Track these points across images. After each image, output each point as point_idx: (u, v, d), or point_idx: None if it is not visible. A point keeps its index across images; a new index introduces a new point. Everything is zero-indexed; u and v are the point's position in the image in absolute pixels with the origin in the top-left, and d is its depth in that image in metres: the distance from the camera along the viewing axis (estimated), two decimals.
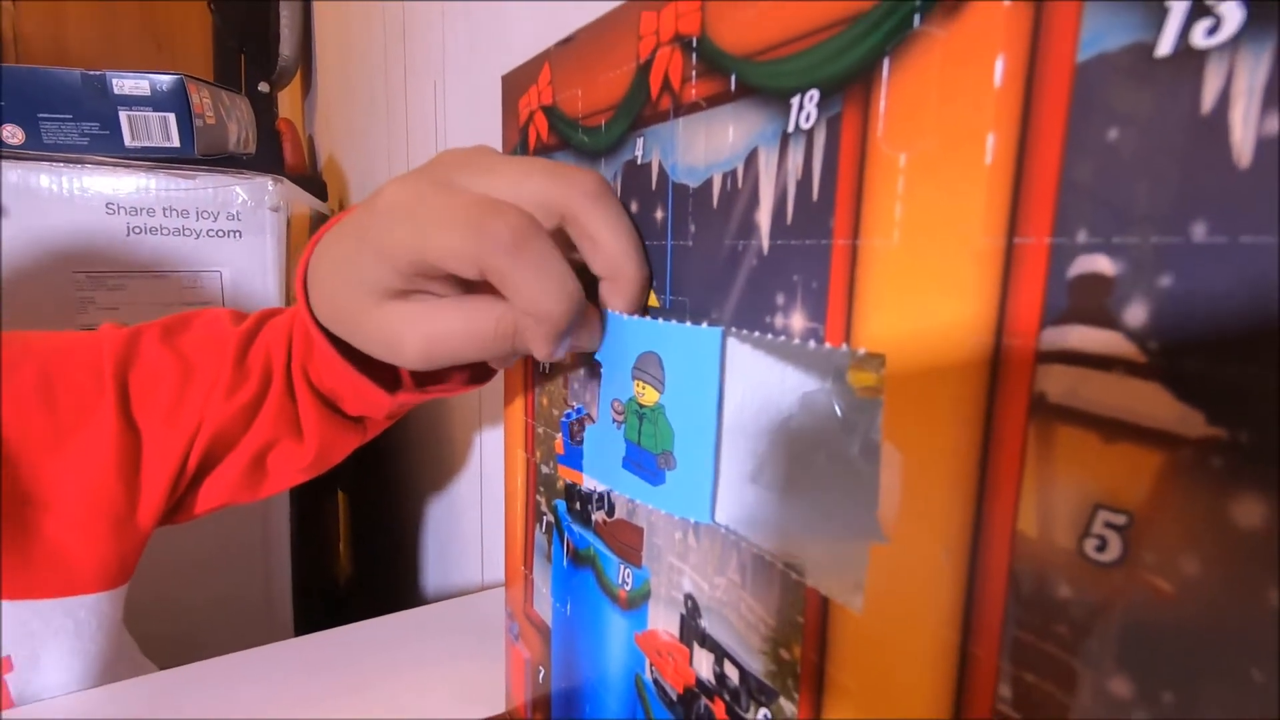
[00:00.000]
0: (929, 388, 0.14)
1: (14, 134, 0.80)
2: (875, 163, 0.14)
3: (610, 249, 0.22)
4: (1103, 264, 0.11)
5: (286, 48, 1.35)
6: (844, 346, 0.15)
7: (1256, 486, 0.09)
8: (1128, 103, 0.10)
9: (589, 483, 0.27)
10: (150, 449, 0.40)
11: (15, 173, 0.69)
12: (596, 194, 0.22)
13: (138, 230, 0.73)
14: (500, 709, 0.42)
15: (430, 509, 0.83)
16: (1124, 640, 0.11)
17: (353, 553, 1.31)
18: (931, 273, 0.13)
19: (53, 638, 0.39)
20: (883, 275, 0.14)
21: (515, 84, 0.32)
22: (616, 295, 0.23)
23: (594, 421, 0.25)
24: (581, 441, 0.27)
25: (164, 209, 0.74)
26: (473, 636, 0.48)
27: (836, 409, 0.19)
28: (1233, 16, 0.09)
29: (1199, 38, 0.10)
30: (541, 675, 0.35)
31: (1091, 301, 0.11)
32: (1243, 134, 0.09)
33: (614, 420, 0.24)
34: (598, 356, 0.24)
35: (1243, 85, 0.09)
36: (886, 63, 0.14)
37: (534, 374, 0.32)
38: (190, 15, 1.80)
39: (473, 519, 0.69)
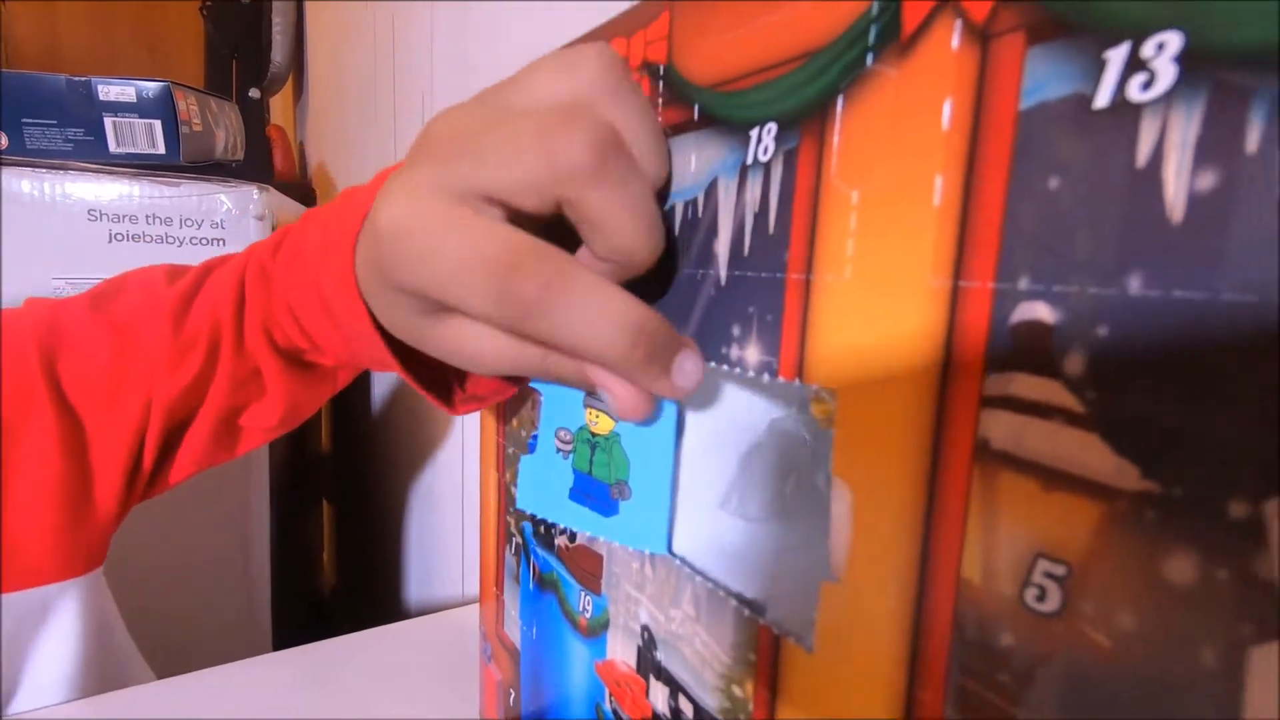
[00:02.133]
0: (878, 426, 0.14)
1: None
2: (829, 198, 0.14)
3: (620, 234, 0.17)
4: (1043, 311, 0.11)
5: (278, 54, 1.35)
6: (796, 382, 0.15)
7: (1188, 542, 0.09)
8: (1068, 152, 0.10)
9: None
10: (96, 434, 0.37)
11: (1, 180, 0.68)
12: (582, 165, 0.16)
13: (120, 237, 0.72)
14: None
15: (414, 521, 0.82)
16: (1064, 693, 0.11)
17: (336, 563, 1.29)
18: (881, 311, 0.13)
19: (25, 626, 0.38)
20: (835, 311, 0.14)
21: None
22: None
23: (529, 453, 0.25)
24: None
25: (147, 216, 0.73)
26: (452, 653, 0.47)
27: (805, 436, 0.19)
28: (1166, 72, 0.09)
29: (1134, 92, 0.10)
30: (512, 698, 0.34)
31: (1032, 348, 0.11)
32: (1175, 189, 0.09)
33: (559, 450, 0.23)
34: (536, 385, 0.24)
35: (1175, 140, 0.09)
36: (841, 99, 0.14)
37: None
38: (183, 20, 1.80)
39: (455, 531, 0.68)
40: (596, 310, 0.16)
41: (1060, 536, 0.11)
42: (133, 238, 0.73)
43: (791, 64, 0.15)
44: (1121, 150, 0.10)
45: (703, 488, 0.21)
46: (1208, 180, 0.09)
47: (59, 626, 0.39)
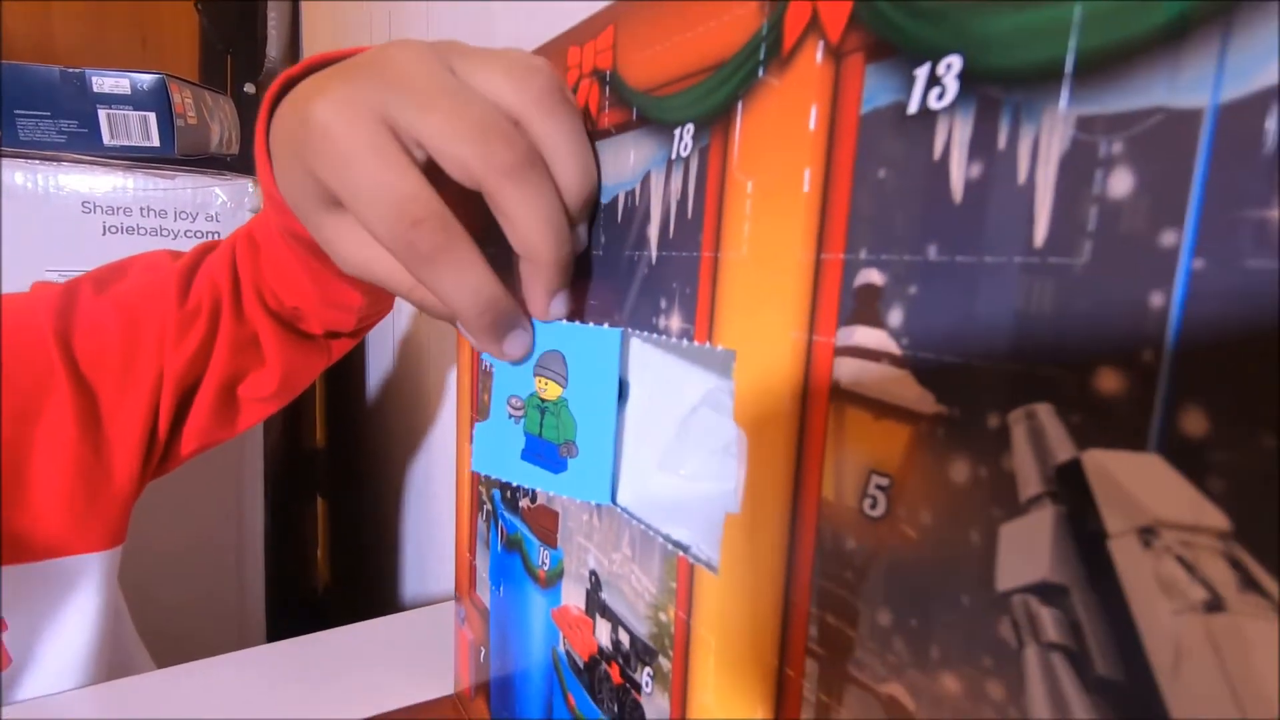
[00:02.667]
0: (764, 378, 0.16)
1: None
2: (732, 188, 0.17)
3: (520, 231, 0.20)
4: (875, 276, 0.13)
5: (273, 49, 1.37)
6: (707, 344, 0.18)
7: (964, 450, 0.12)
8: (891, 149, 0.13)
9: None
10: (110, 408, 0.40)
11: None
12: (510, 168, 0.19)
13: (114, 229, 0.74)
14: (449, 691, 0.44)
15: (408, 516, 0.84)
16: (887, 580, 0.13)
17: (331, 558, 1.31)
18: (769, 281, 0.16)
19: (45, 598, 0.40)
20: (736, 283, 0.17)
21: None
22: (533, 277, 0.22)
23: (484, 419, 0.27)
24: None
25: (141, 209, 0.75)
26: (444, 645, 0.48)
27: (727, 399, 0.22)
28: (952, 87, 0.12)
29: (933, 101, 0.12)
30: (482, 655, 0.37)
31: (868, 306, 0.14)
32: (956, 176, 0.12)
33: (511, 415, 0.26)
34: (486, 357, 0.26)
35: (957, 139, 0.12)
36: (740, 104, 0.17)
37: (479, 369, 0.35)
38: (177, 14, 1.81)
39: (449, 526, 0.70)
40: (465, 280, 0.21)
41: (885, 454, 0.13)
42: (127, 230, 0.75)
43: (704, 74, 0.18)
44: (924, 147, 0.12)
45: (644, 447, 0.23)
46: (976, 170, 0.12)
47: (78, 605, 0.41)
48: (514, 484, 0.27)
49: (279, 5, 1.36)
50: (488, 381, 0.34)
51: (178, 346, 0.40)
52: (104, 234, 0.74)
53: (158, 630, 0.70)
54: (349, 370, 1.04)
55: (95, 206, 0.74)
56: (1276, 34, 0.08)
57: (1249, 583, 0.09)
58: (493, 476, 0.27)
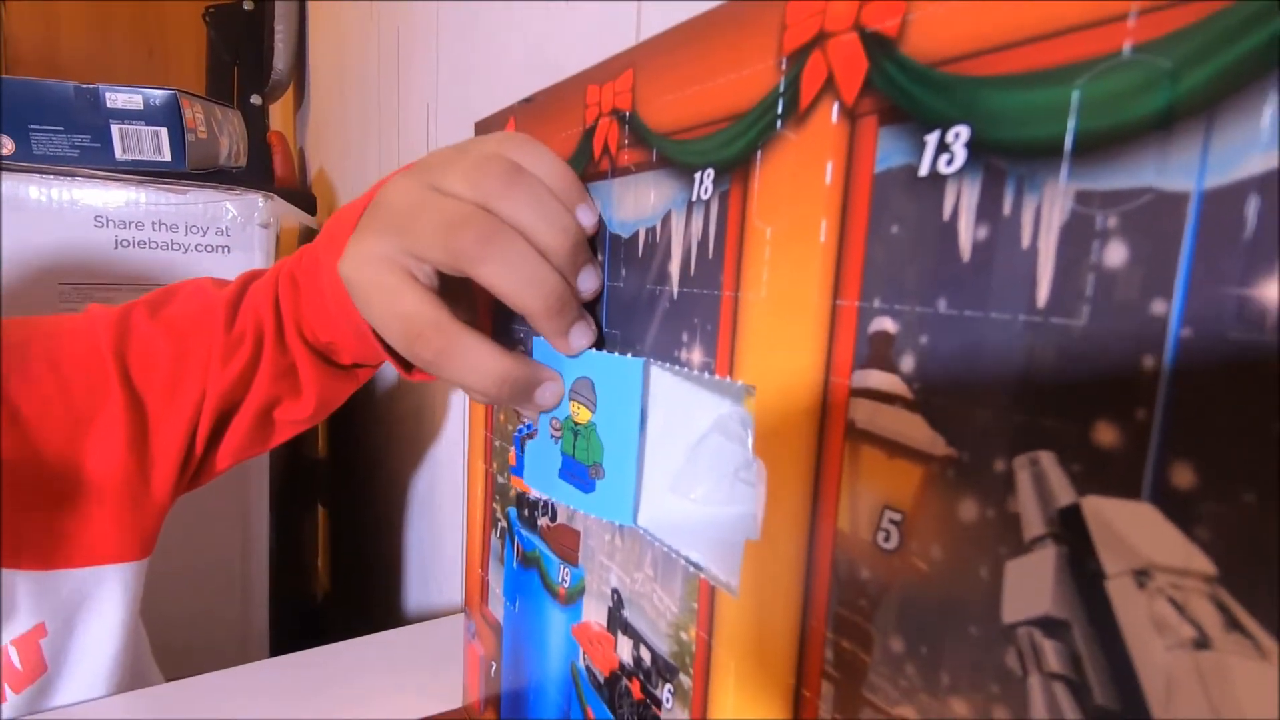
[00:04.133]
0: (783, 413, 0.17)
1: (4, 144, 0.82)
2: (751, 232, 0.18)
3: (505, 297, 0.24)
4: (888, 324, 0.14)
5: (280, 61, 1.38)
6: (728, 378, 0.19)
7: (972, 491, 0.13)
8: (903, 207, 0.14)
9: (534, 491, 0.30)
10: (157, 422, 0.42)
11: (4, 184, 0.71)
12: (475, 252, 0.23)
13: (126, 244, 0.75)
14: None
15: (410, 527, 0.84)
16: (900, 608, 0.14)
17: (331, 568, 1.32)
18: (787, 323, 0.17)
19: (82, 605, 0.42)
20: (755, 322, 0.18)
21: (485, 131, 0.36)
22: (538, 327, 0.25)
23: (535, 437, 0.29)
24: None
25: (153, 223, 0.76)
26: (449, 658, 0.48)
27: (740, 426, 0.23)
28: (960, 154, 0.13)
29: (942, 166, 0.13)
30: (494, 670, 0.38)
31: (881, 352, 0.15)
32: (965, 237, 0.13)
33: (552, 436, 0.27)
34: None
35: (966, 203, 0.13)
36: (759, 154, 0.18)
37: None
38: (183, 23, 1.83)
39: (455, 537, 0.71)
40: (473, 368, 0.24)
41: (898, 491, 0.14)
42: (139, 244, 0.76)
43: (725, 122, 0.19)
44: (934, 208, 0.13)
45: (660, 472, 0.24)
46: (983, 232, 0.13)
47: (109, 615, 0.43)
48: (554, 500, 0.28)
49: (286, 16, 1.38)
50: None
51: (223, 369, 0.42)
52: (116, 248, 0.75)
53: (162, 639, 0.71)
54: None
55: (108, 220, 0.75)
56: (1255, 130, 0.09)
57: (1233, 624, 0.10)
58: (539, 491, 0.29)
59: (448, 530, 0.73)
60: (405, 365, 0.37)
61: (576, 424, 0.25)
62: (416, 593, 0.83)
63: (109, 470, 0.41)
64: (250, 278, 0.46)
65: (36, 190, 0.73)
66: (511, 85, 0.53)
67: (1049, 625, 0.12)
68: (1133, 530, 0.11)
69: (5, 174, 0.71)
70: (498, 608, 0.37)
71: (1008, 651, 0.12)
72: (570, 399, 0.26)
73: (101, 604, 0.42)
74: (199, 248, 0.77)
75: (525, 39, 0.52)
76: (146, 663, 0.49)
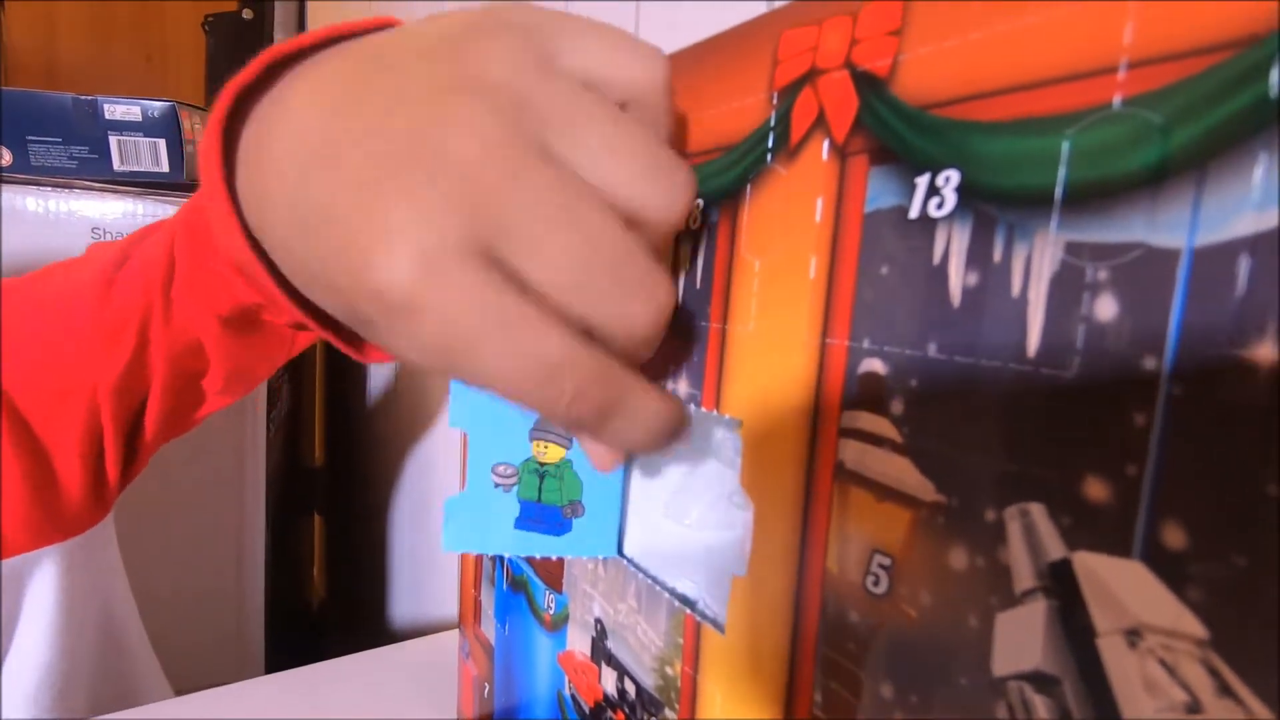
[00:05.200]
0: (770, 449, 0.17)
1: (3, 156, 0.82)
2: (740, 265, 0.18)
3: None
4: (878, 365, 0.14)
5: None
6: (714, 411, 0.19)
7: (962, 539, 0.13)
8: (893, 248, 0.14)
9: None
10: (46, 431, 0.36)
11: (3, 195, 0.71)
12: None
13: None
14: None
15: (406, 537, 0.84)
16: (889, 654, 0.14)
17: (328, 576, 1.31)
18: (775, 358, 0.17)
19: (13, 596, 0.38)
20: (743, 355, 0.18)
21: None
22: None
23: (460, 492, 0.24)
24: None
25: None
26: (444, 675, 0.48)
27: (732, 457, 0.22)
28: (950, 198, 0.13)
29: (932, 209, 0.13)
30: (486, 691, 0.37)
31: (871, 393, 0.14)
32: (955, 282, 0.13)
33: (498, 485, 0.24)
34: (458, 424, 0.23)
35: (956, 247, 0.13)
36: (749, 187, 0.18)
37: None
38: (182, 33, 1.83)
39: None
40: (646, 425, 0.16)
41: (888, 535, 0.14)
42: None
43: (715, 153, 0.19)
44: (925, 250, 0.13)
45: (649, 499, 0.24)
46: (973, 278, 0.12)
47: (35, 593, 0.40)
48: (509, 557, 0.27)
49: (285, 25, 1.38)
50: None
51: (105, 363, 0.35)
52: None
53: (156, 649, 0.70)
54: (349, 389, 1.04)
55: (105, 231, 0.74)
56: (1247, 188, 0.09)
57: (1224, 689, 0.09)
58: (474, 553, 0.25)
59: (439, 540, 0.73)
60: (352, 340, 0.28)
61: (543, 464, 0.24)
62: (412, 603, 0.83)
63: (9, 477, 0.35)
64: (145, 234, 0.37)
65: (34, 202, 0.73)
66: None
67: (1040, 680, 0.12)
68: (1123, 588, 0.10)
69: (4, 185, 0.71)
70: (490, 629, 0.36)
71: (998, 705, 0.12)
72: (533, 439, 0.24)
73: (28, 588, 0.39)
74: None
75: None
76: (135, 656, 0.48)
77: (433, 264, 0.14)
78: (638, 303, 0.15)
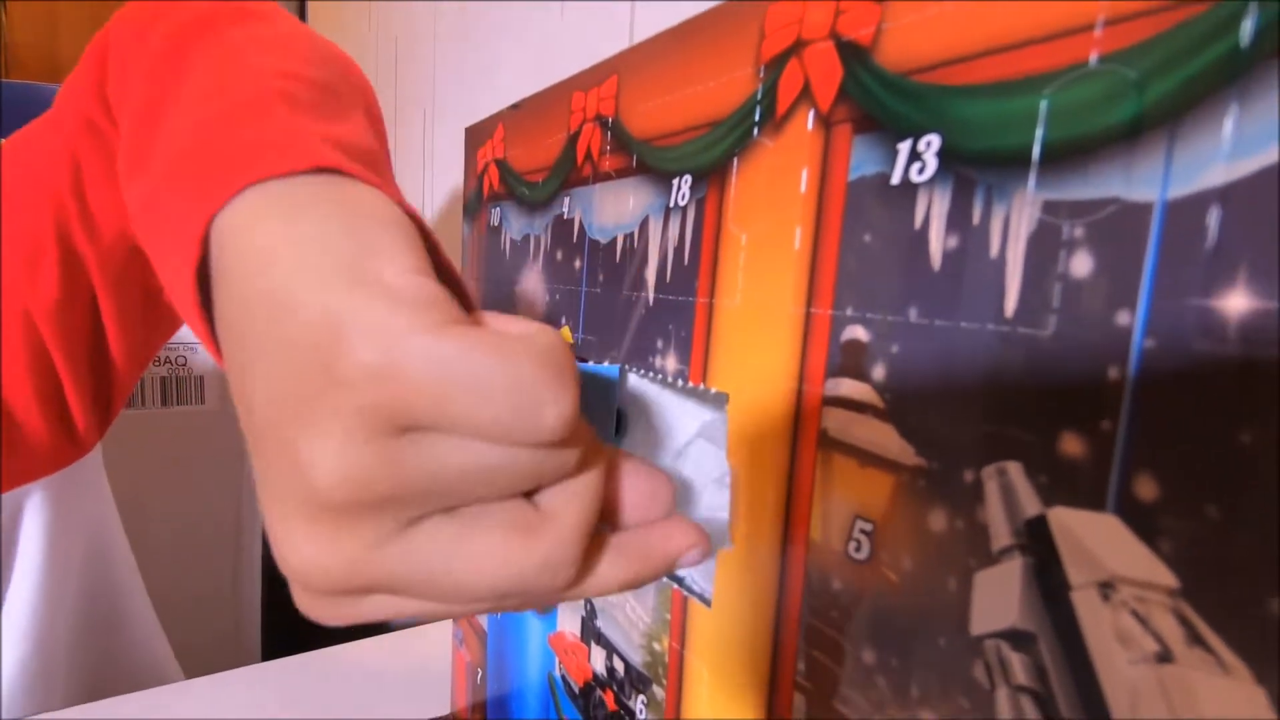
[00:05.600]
0: (756, 421, 0.17)
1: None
2: (726, 239, 0.18)
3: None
4: (860, 332, 0.14)
5: None
6: (701, 385, 0.19)
7: (941, 501, 0.13)
8: (875, 216, 0.14)
9: None
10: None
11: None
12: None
13: None
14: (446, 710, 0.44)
15: None
16: (870, 620, 0.14)
17: None
18: (761, 330, 0.17)
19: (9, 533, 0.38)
20: (730, 329, 0.18)
21: (475, 136, 0.36)
22: None
23: None
24: None
25: None
26: (440, 664, 0.48)
27: (721, 434, 0.22)
28: (931, 163, 0.13)
29: (914, 175, 0.13)
30: (480, 676, 0.37)
31: (854, 360, 0.14)
32: (935, 246, 0.13)
33: None
34: None
35: (936, 212, 0.13)
36: (735, 161, 0.18)
37: None
38: None
39: None
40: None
41: (869, 501, 0.14)
42: None
43: (702, 129, 0.19)
44: (906, 216, 0.13)
45: None
46: (953, 241, 0.13)
47: (26, 530, 0.39)
48: None
49: None
50: None
51: (32, 281, 0.31)
52: None
53: None
54: None
55: None
56: (1217, 140, 0.09)
57: (1195, 638, 0.09)
58: None
59: None
60: None
61: None
62: None
63: None
64: (38, 130, 0.32)
65: None
66: (508, 90, 0.54)
67: (1016, 638, 0.12)
68: (1097, 542, 0.10)
69: None
70: (482, 615, 0.36)
71: (976, 664, 0.12)
72: None
73: (20, 526, 0.38)
74: None
75: (522, 44, 0.52)
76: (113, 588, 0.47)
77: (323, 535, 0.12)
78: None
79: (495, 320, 0.13)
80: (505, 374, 0.12)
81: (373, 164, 0.18)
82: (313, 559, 0.13)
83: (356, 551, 0.12)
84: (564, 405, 0.12)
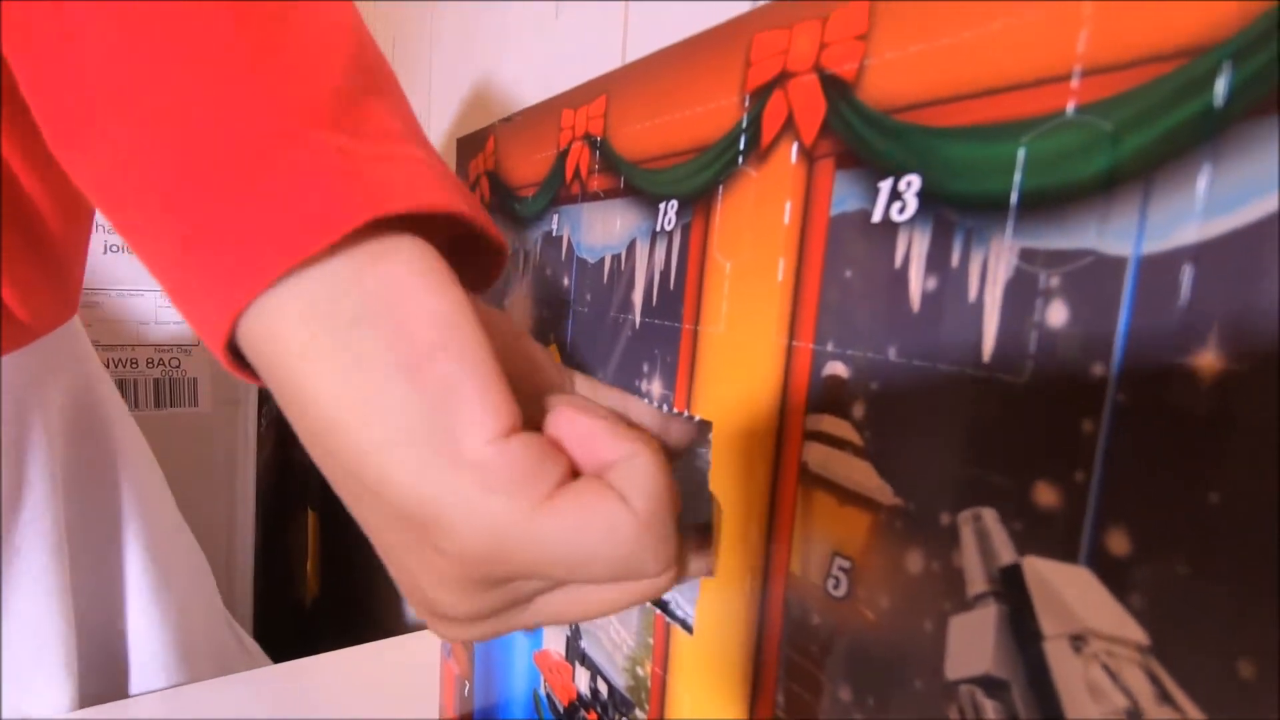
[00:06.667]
0: (739, 451, 0.17)
1: None
2: (711, 266, 0.18)
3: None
4: (841, 368, 0.14)
5: None
6: (685, 412, 0.19)
7: (918, 542, 0.13)
8: (856, 252, 0.14)
9: None
10: None
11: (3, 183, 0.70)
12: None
13: (114, 248, 0.75)
14: None
15: None
16: (848, 657, 0.14)
17: (321, 573, 1.30)
18: (744, 360, 0.17)
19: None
20: (714, 357, 0.18)
21: (468, 148, 0.36)
22: None
23: None
24: None
25: None
26: (429, 674, 0.48)
27: (707, 463, 0.22)
28: (912, 203, 0.13)
29: (895, 214, 0.13)
30: (467, 689, 0.37)
31: (834, 396, 0.14)
32: (915, 286, 0.13)
33: None
34: None
35: (916, 252, 0.13)
36: (721, 189, 0.18)
37: None
38: None
39: None
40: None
41: (848, 538, 0.14)
42: (127, 249, 0.76)
43: (689, 155, 0.19)
44: (886, 255, 0.13)
45: None
46: (932, 283, 0.13)
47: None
48: None
49: None
50: None
51: None
52: (105, 252, 0.75)
53: None
54: None
55: (97, 226, 0.74)
56: (1191, 198, 0.09)
57: (1163, 696, 0.09)
58: None
59: None
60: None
61: None
62: (407, 602, 0.83)
63: None
64: None
65: None
66: (504, 101, 0.53)
67: (990, 684, 0.12)
68: (1070, 594, 0.10)
69: None
70: None
71: (950, 708, 0.12)
72: None
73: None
74: None
75: (519, 54, 0.52)
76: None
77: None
78: None
79: (589, 440, 0.14)
80: (604, 549, 0.13)
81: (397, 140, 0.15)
82: (451, 637, 0.16)
83: (485, 632, 0.15)
84: (663, 561, 0.14)
